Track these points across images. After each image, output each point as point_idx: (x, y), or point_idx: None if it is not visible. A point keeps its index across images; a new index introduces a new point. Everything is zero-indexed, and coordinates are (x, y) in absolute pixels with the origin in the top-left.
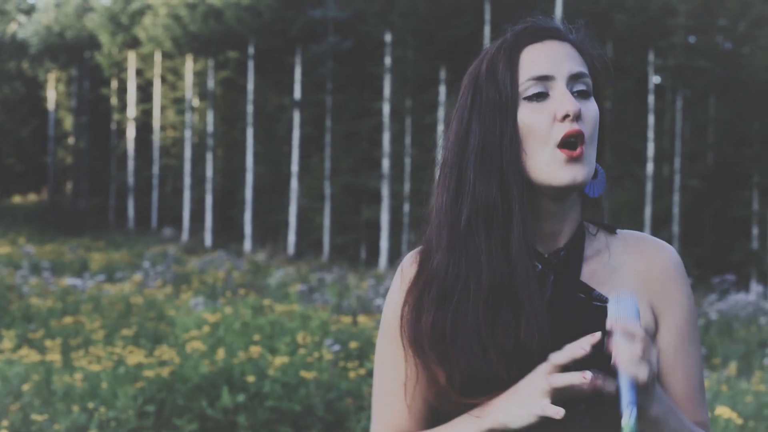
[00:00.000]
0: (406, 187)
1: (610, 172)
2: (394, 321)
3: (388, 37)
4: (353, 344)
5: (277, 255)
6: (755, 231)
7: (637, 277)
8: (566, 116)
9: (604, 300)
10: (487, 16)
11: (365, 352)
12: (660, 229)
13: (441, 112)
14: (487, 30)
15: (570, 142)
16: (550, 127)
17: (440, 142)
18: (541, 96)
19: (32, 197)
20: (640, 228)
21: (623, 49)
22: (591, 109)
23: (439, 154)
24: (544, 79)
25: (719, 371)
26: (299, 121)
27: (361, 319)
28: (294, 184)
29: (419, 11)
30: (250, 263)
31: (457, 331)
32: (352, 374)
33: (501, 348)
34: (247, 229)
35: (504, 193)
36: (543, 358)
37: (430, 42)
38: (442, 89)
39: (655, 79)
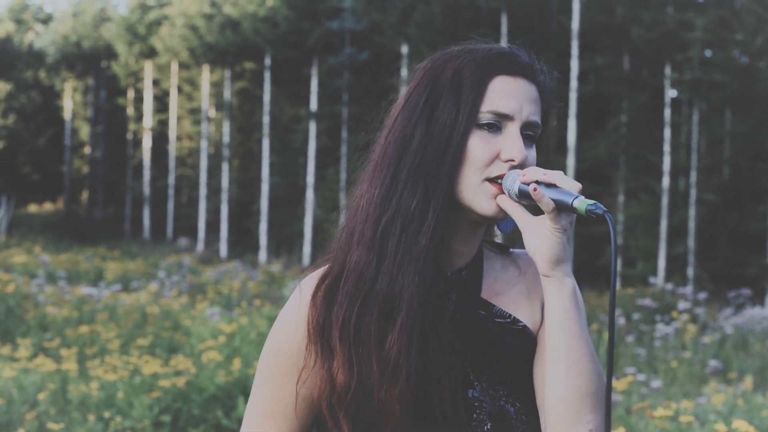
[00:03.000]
0: None
1: (626, 185)
2: (287, 344)
3: (404, 49)
4: None
5: (292, 266)
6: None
7: (528, 287)
8: (511, 161)
9: (505, 316)
10: (504, 29)
11: None
12: (675, 243)
13: None
14: (503, 42)
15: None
16: (491, 161)
17: (384, 123)
18: (493, 128)
19: (48, 206)
20: (655, 241)
21: (639, 62)
22: (531, 156)
23: (377, 138)
24: (502, 116)
25: (735, 385)
26: (315, 132)
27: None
28: (309, 195)
29: (435, 23)
30: (265, 274)
31: (359, 331)
32: None
33: (382, 358)
34: (263, 239)
35: (426, 204)
36: (417, 376)
37: None
38: None
39: (671, 93)
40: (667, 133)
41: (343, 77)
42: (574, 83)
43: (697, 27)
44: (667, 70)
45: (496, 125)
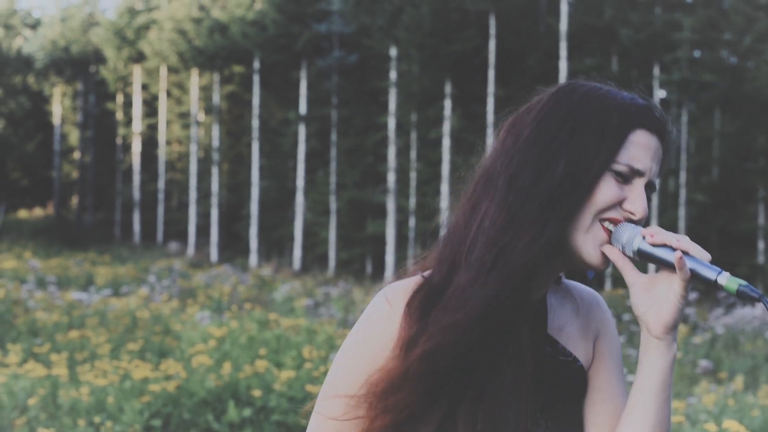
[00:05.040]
0: (412, 201)
1: None
2: (373, 346)
3: (393, 52)
4: None
5: (282, 269)
6: (761, 245)
7: (582, 324)
8: (631, 214)
9: (567, 354)
10: (492, 31)
11: None
12: None
13: (446, 126)
14: (492, 44)
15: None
16: (611, 207)
17: (492, 139)
18: (622, 178)
19: (38, 211)
20: None
21: (628, 63)
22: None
23: (497, 157)
24: (636, 172)
25: (726, 385)
26: (305, 135)
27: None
28: (299, 198)
29: (424, 26)
30: (255, 277)
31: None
32: None
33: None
34: (253, 243)
35: (542, 230)
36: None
37: (435, 56)
38: (448, 103)
39: (660, 94)
40: None
41: (332, 80)
42: None
43: (685, 27)
44: (656, 71)
45: (626, 176)
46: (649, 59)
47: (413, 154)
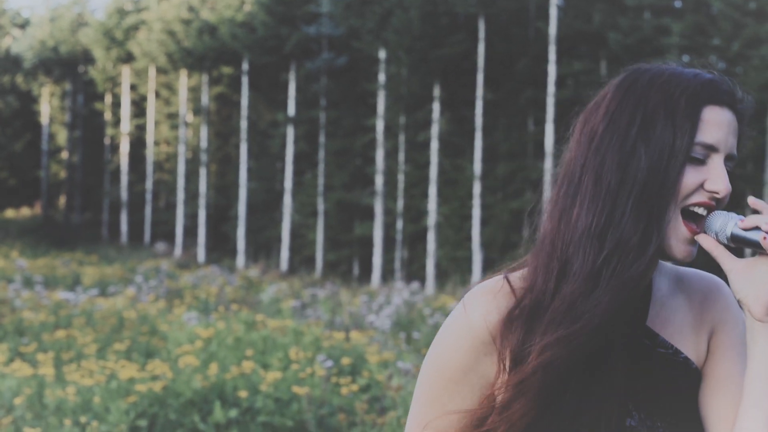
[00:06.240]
0: (400, 203)
1: None
2: (455, 363)
3: (382, 54)
4: (346, 360)
5: (270, 271)
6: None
7: (694, 317)
8: (715, 193)
9: (667, 347)
10: (482, 34)
11: (357, 368)
12: None
13: (435, 129)
14: (481, 48)
15: (696, 214)
16: (693, 191)
17: (576, 140)
18: (699, 162)
19: (25, 211)
20: None
21: (617, 68)
22: (729, 191)
23: (575, 158)
24: (710, 148)
25: None
26: (293, 137)
27: (354, 335)
28: (287, 199)
29: (413, 29)
30: (243, 279)
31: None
32: (344, 390)
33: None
34: (240, 244)
35: (648, 237)
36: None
37: (424, 59)
38: (436, 106)
39: None
40: None
41: (320, 82)
42: (551, 88)
43: (674, 32)
44: None
45: (703, 156)
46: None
47: (401, 157)
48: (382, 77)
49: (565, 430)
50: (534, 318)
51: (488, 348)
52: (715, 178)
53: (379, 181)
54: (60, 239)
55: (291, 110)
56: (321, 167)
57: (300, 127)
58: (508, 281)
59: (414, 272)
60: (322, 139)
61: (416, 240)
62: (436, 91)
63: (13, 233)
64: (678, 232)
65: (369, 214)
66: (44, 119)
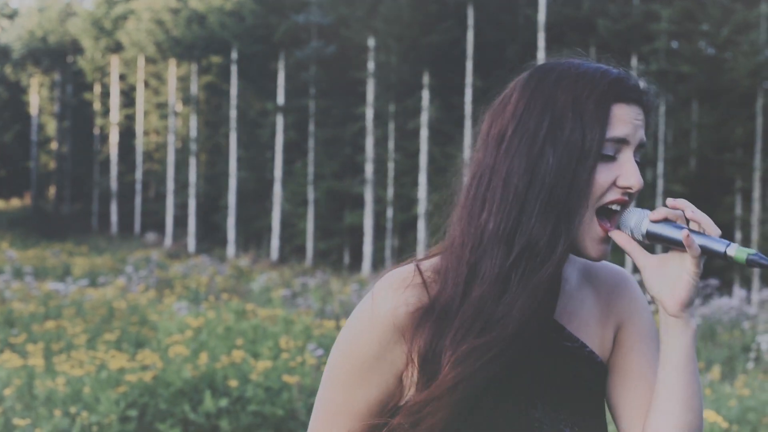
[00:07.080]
0: (390, 192)
1: None
2: (363, 351)
3: (371, 42)
4: None
5: (260, 260)
6: (738, 236)
7: (601, 311)
8: (628, 189)
9: (574, 341)
10: (471, 22)
11: None
12: None
13: (424, 117)
14: (470, 35)
15: (610, 211)
16: (607, 189)
17: (475, 142)
18: (610, 158)
19: (15, 202)
20: None
21: (606, 54)
22: (642, 185)
23: (483, 160)
24: (621, 141)
25: (703, 375)
26: (282, 126)
27: (345, 323)
28: (277, 189)
29: (403, 17)
30: (233, 268)
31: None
32: None
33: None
34: (231, 234)
35: (555, 239)
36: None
37: (413, 47)
38: (426, 94)
39: None
40: None
41: (309, 71)
42: None
43: (663, 18)
44: (634, 62)
45: (612, 153)
46: (627, 50)
47: (391, 145)
48: (371, 65)
49: (470, 422)
50: (443, 321)
51: (397, 338)
52: (627, 173)
53: (369, 169)
54: (50, 230)
55: (280, 99)
56: (311, 156)
57: (289, 115)
58: (420, 272)
59: (404, 260)
60: (311, 127)
61: (407, 228)
62: (426, 79)
63: (2, 224)
64: (592, 232)
65: (359, 203)
66: (33, 110)
